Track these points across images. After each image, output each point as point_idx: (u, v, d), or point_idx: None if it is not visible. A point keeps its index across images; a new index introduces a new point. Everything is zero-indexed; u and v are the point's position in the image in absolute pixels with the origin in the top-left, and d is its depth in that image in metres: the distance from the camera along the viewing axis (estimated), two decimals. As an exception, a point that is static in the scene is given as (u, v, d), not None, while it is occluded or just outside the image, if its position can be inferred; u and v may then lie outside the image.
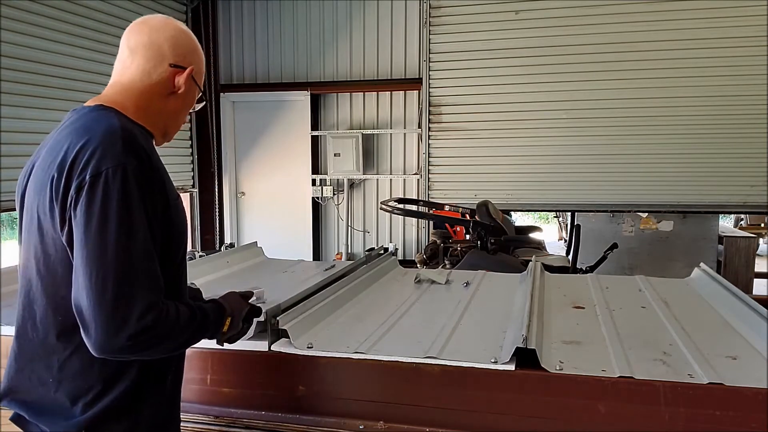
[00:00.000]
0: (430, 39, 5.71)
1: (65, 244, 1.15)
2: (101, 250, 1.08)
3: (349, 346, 1.60)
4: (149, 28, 1.30)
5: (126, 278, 1.09)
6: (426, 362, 1.50)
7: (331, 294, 2.03)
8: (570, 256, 4.51)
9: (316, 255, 6.51)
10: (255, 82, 6.45)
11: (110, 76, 1.33)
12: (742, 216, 8.74)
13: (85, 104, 1.27)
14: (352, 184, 6.46)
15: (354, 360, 1.54)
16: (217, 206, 6.64)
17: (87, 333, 1.09)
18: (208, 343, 1.40)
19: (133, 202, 1.11)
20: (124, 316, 1.08)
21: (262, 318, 1.62)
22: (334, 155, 6.23)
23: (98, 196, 1.09)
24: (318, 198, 6.51)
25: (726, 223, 8.51)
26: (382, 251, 2.87)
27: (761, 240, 8.52)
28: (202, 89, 1.39)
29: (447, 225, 5.03)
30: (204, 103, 1.43)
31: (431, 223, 5.67)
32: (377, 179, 6.39)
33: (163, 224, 1.19)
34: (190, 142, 6.34)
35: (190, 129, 6.30)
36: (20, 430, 1.26)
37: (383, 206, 4.14)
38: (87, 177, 1.10)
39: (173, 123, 1.36)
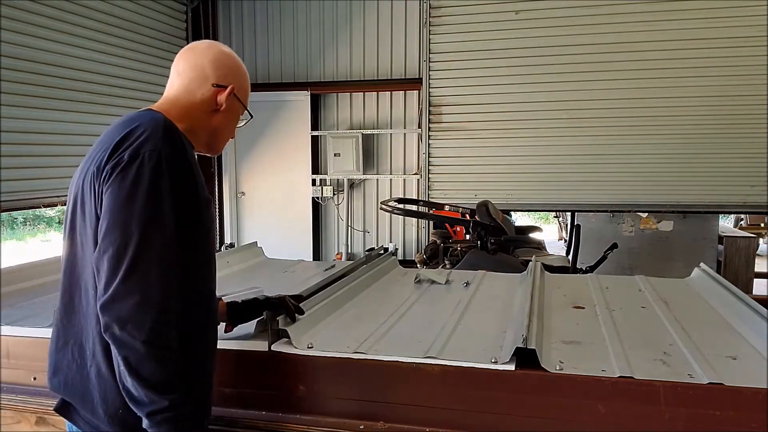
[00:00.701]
0: (430, 39, 5.71)
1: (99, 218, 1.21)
2: (126, 220, 1.16)
3: (349, 346, 1.60)
4: (194, 53, 1.41)
5: (144, 252, 1.16)
6: (426, 362, 1.50)
7: (331, 294, 2.03)
8: (570, 256, 4.51)
9: (316, 255, 6.51)
10: (255, 82, 6.44)
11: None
12: (742, 216, 8.74)
13: None
14: (352, 184, 6.46)
15: (354, 360, 1.54)
16: (217, 206, 6.64)
17: (100, 294, 1.16)
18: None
19: (163, 185, 1.19)
20: (136, 286, 1.14)
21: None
22: (334, 155, 6.23)
23: (131, 174, 1.18)
24: (318, 198, 6.51)
25: (726, 223, 8.51)
26: (382, 251, 2.87)
27: (761, 240, 8.51)
28: (246, 106, 1.48)
29: (447, 225, 5.03)
30: (250, 118, 1.51)
31: (431, 223, 5.67)
32: (377, 179, 6.39)
33: (191, 213, 1.26)
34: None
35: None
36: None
37: (383, 206, 4.14)
38: (126, 156, 1.19)
39: (218, 137, 1.45)
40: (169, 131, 1.26)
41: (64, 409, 1.33)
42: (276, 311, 1.64)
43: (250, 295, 1.71)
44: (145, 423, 1.16)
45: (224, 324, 1.60)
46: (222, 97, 1.38)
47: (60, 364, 1.33)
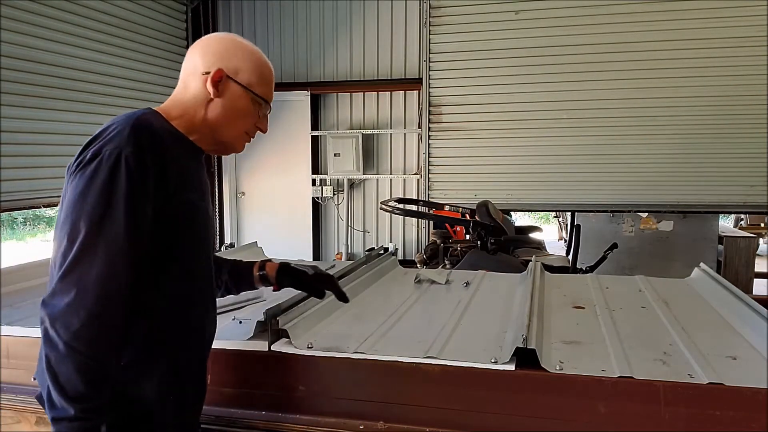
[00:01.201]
0: (430, 39, 5.71)
1: None
2: (76, 217, 1.12)
3: (349, 346, 1.60)
4: (192, 48, 1.35)
5: (88, 251, 1.11)
6: (426, 362, 1.50)
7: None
8: (570, 256, 4.51)
9: (316, 255, 6.51)
10: (255, 82, 6.43)
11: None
12: (742, 216, 8.74)
13: None
14: (352, 184, 6.46)
15: (354, 360, 1.54)
16: (217, 206, 6.64)
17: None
18: (208, 343, 1.40)
19: (118, 184, 1.13)
20: (72, 284, 1.10)
21: (261, 318, 1.63)
22: (334, 155, 6.23)
23: (88, 172, 1.14)
24: (318, 198, 6.51)
25: (726, 223, 8.50)
26: (382, 251, 2.87)
27: (761, 240, 8.50)
28: (250, 89, 1.31)
29: (447, 225, 5.03)
30: (269, 110, 1.38)
31: (431, 223, 5.67)
32: (377, 179, 6.39)
33: (162, 219, 1.20)
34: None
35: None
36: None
37: (383, 206, 4.14)
38: (88, 155, 1.15)
39: (221, 131, 1.33)
40: (137, 130, 1.17)
41: (41, 399, 1.28)
42: (320, 294, 1.67)
43: (306, 268, 1.67)
44: (52, 428, 1.11)
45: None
46: (208, 84, 1.28)
47: (41, 354, 1.29)
